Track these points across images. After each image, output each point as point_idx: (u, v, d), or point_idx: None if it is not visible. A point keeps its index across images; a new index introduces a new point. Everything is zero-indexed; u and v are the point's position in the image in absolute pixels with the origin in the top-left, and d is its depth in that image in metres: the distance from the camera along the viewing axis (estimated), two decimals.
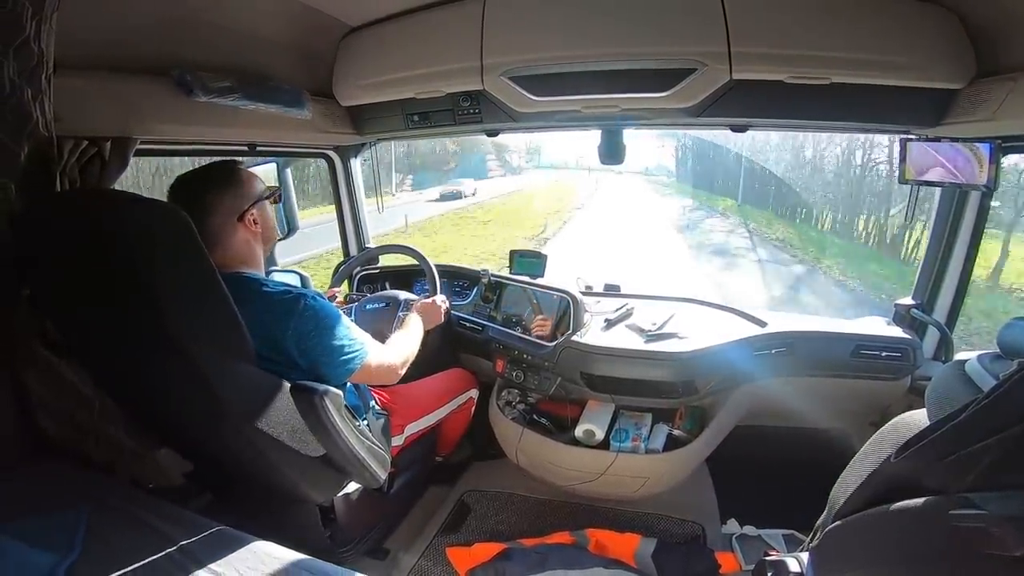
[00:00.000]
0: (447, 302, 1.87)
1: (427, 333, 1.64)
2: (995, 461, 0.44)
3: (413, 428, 1.69)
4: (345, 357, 1.22)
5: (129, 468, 1.21)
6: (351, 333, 1.25)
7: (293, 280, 1.80)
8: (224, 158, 1.34)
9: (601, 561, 1.63)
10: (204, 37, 1.36)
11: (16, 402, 1.07)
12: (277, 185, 1.38)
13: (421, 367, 1.72)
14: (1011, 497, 0.42)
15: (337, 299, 2.00)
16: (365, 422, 1.43)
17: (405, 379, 1.61)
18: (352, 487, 1.49)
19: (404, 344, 1.49)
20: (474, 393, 2.01)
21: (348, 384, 1.40)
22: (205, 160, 1.36)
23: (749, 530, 1.78)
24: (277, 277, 1.62)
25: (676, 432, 1.78)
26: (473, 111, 1.68)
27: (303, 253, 7.69)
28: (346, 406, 1.25)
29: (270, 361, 1.15)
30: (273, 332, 1.15)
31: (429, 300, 1.77)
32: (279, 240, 2.00)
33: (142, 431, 1.24)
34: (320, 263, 7.28)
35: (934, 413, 0.70)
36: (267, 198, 1.31)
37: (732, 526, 1.83)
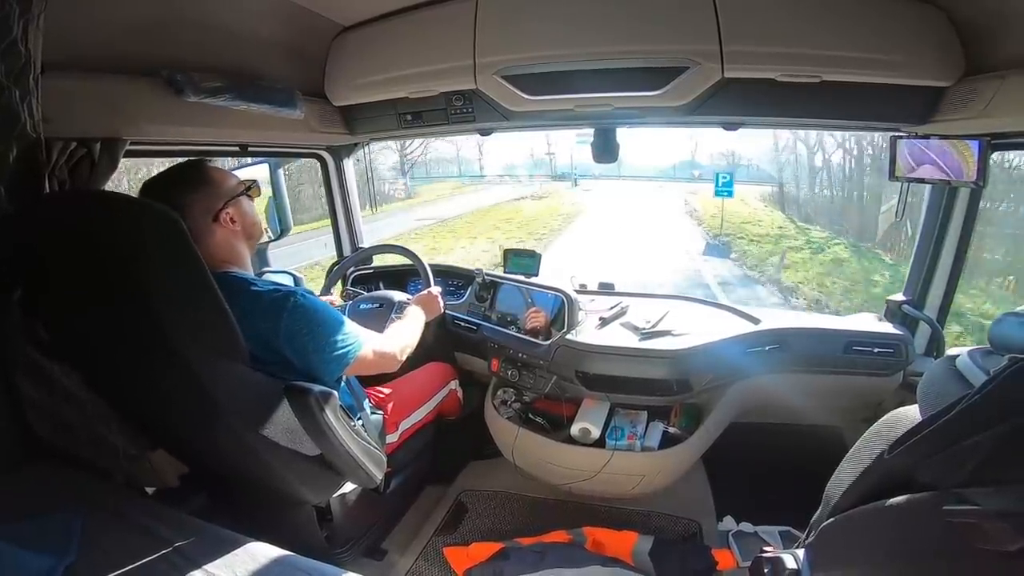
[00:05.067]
0: (441, 294, 1.86)
1: (424, 331, 1.64)
2: (987, 456, 0.44)
3: (406, 423, 1.70)
4: (339, 352, 1.22)
5: (124, 470, 1.21)
6: (344, 327, 1.24)
7: (286, 280, 1.79)
8: (192, 158, 1.32)
9: (598, 559, 1.63)
10: (194, 37, 1.34)
11: (8, 405, 1.06)
12: (253, 179, 1.34)
13: (410, 364, 1.73)
14: (1004, 492, 0.42)
15: (333, 299, 1.99)
16: (360, 422, 1.42)
17: (394, 376, 1.62)
18: (348, 487, 1.49)
19: (403, 332, 1.49)
20: (454, 384, 2.02)
21: (343, 384, 1.40)
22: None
23: (745, 527, 1.79)
24: (270, 278, 1.61)
25: (671, 430, 1.79)
26: (466, 110, 1.68)
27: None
28: (341, 406, 1.25)
29: (263, 361, 1.15)
30: (264, 331, 1.15)
31: (425, 292, 1.78)
32: (271, 241, 2.01)
33: (136, 433, 1.23)
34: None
35: (926, 409, 0.70)
36: (242, 194, 1.27)
37: (728, 523, 1.83)
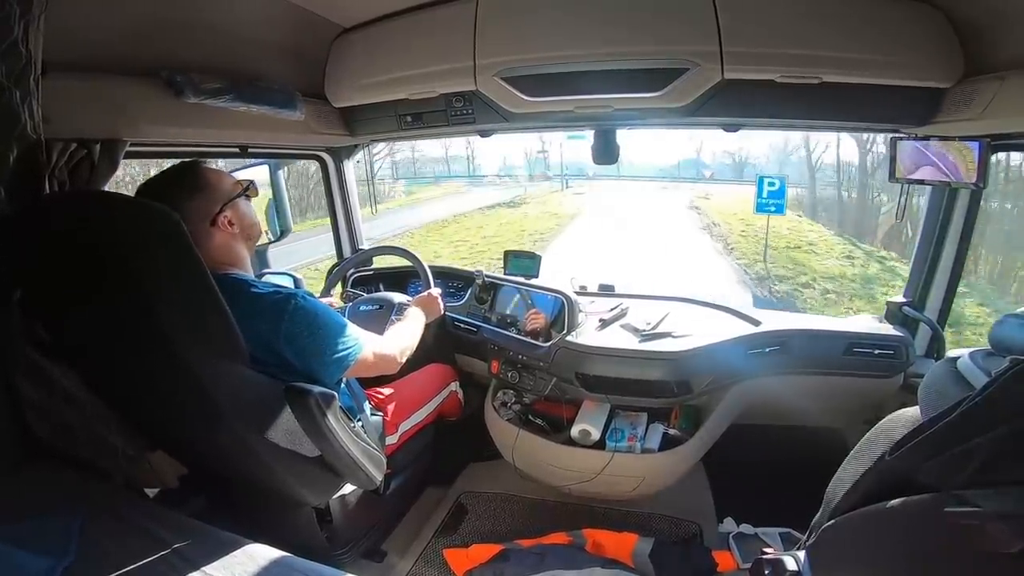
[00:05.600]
0: (441, 295, 1.87)
1: (424, 333, 1.64)
2: (988, 458, 0.44)
3: (406, 425, 1.70)
4: (339, 354, 1.22)
5: (123, 471, 1.21)
6: (345, 329, 1.24)
7: (286, 282, 1.79)
8: (187, 160, 1.31)
9: (598, 561, 1.63)
10: (195, 38, 1.34)
11: (8, 406, 1.05)
12: (250, 179, 1.33)
13: (410, 365, 1.73)
14: (1005, 494, 0.42)
15: (332, 300, 1.99)
16: (360, 423, 1.42)
17: (395, 377, 1.63)
18: (348, 489, 1.49)
19: (403, 334, 1.50)
20: (455, 386, 2.02)
21: (343, 385, 1.40)
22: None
23: (746, 528, 1.79)
24: (270, 280, 1.61)
25: (671, 431, 1.79)
26: (466, 112, 1.68)
27: None
28: (341, 408, 1.24)
29: (263, 363, 1.15)
30: (265, 334, 1.15)
31: (425, 293, 1.78)
32: (271, 243, 2.01)
33: (136, 434, 1.23)
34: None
35: (927, 410, 0.70)
36: (239, 196, 1.26)
37: (729, 525, 1.83)
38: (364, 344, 1.28)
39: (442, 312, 1.80)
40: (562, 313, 1.85)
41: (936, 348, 1.77)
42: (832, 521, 0.66)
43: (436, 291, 1.81)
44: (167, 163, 1.33)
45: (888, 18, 1.30)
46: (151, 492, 1.32)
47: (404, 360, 1.44)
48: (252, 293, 1.17)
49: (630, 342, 1.76)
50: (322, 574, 0.91)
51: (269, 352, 1.16)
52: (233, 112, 1.42)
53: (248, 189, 1.30)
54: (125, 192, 1.21)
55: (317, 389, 1.15)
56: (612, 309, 1.93)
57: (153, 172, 1.27)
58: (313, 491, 1.35)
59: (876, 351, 1.71)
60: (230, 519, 1.10)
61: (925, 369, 1.55)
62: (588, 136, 1.80)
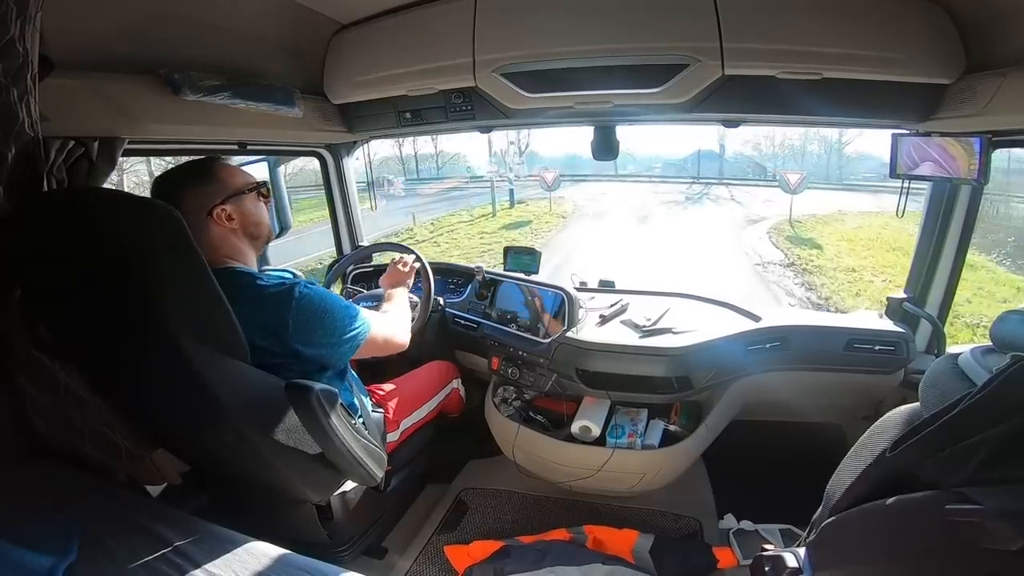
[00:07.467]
0: (409, 264, 1.79)
1: (424, 329, 1.63)
2: (989, 455, 0.44)
3: (408, 423, 1.70)
4: (349, 335, 1.24)
5: (125, 469, 1.21)
6: (351, 311, 1.26)
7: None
8: (210, 155, 1.32)
9: (599, 557, 1.63)
10: (193, 35, 1.34)
11: (10, 404, 1.06)
12: (264, 180, 1.34)
13: (411, 362, 1.72)
14: (1006, 491, 0.42)
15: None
16: (361, 420, 1.43)
17: (394, 374, 1.64)
18: (349, 486, 1.49)
19: (397, 311, 1.53)
20: (456, 383, 2.02)
21: (344, 382, 1.40)
22: None
23: (746, 525, 1.79)
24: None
25: (672, 427, 1.79)
26: (465, 108, 1.68)
27: None
28: (342, 404, 1.25)
29: (270, 354, 1.15)
30: (272, 325, 1.15)
31: (388, 269, 1.76)
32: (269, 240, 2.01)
33: (137, 432, 1.23)
34: None
35: (928, 407, 0.70)
36: (245, 192, 1.25)
37: (729, 521, 1.83)
38: (372, 324, 1.30)
39: (406, 271, 1.74)
40: (562, 309, 1.85)
41: (937, 344, 1.77)
42: (832, 518, 0.66)
43: (409, 258, 1.79)
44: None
45: (889, 14, 1.30)
46: (153, 490, 1.32)
47: (407, 339, 1.47)
48: (256, 285, 1.17)
49: (630, 338, 1.76)
50: (323, 571, 0.91)
51: (277, 343, 1.16)
52: (232, 109, 1.42)
53: (259, 188, 1.30)
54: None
55: (319, 386, 1.15)
56: (612, 305, 1.93)
57: None
58: (314, 488, 1.35)
59: (876, 347, 1.71)
60: (231, 517, 1.11)
61: (925, 365, 1.55)
62: None
